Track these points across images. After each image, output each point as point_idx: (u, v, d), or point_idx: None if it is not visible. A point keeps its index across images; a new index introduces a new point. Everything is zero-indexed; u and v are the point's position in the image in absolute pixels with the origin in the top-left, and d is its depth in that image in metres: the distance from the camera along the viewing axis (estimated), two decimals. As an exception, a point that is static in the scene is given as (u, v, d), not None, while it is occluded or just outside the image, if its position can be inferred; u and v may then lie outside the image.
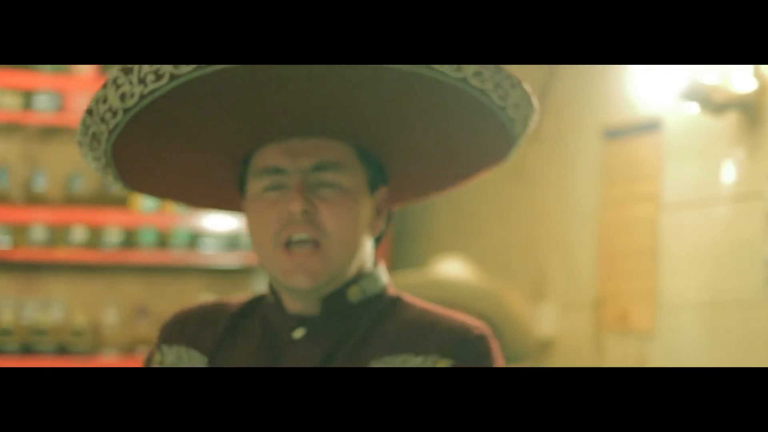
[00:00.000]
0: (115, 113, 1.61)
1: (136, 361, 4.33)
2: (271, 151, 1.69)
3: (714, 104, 3.03)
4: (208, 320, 1.79)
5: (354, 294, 1.71)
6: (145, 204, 4.43)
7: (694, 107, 3.07)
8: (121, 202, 4.44)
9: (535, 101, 1.68)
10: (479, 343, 1.65)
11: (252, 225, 1.70)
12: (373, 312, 1.71)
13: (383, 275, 1.75)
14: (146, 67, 1.55)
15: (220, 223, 4.52)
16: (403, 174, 1.80)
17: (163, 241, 4.49)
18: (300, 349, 1.69)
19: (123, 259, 4.41)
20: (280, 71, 1.55)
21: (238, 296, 1.83)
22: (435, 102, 1.62)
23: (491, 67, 1.58)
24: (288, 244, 1.65)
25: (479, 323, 1.68)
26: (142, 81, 1.56)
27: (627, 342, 3.50)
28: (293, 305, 1.71)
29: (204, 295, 4.62)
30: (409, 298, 1.74)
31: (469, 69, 1.56)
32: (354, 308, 1.71)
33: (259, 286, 4.75)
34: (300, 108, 1.62)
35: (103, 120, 1.63)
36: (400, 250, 4.82)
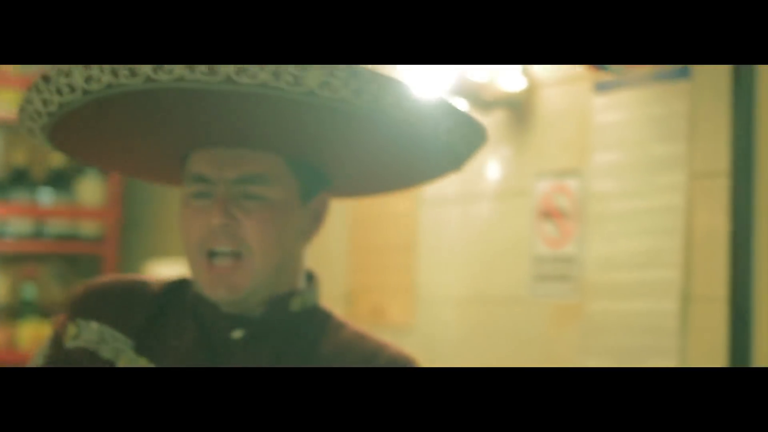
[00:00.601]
0: (39, 115, 1.61)
1: None
2: (200, 159, 1.67)
3: (482, 102, 3.06)
4: (128, 300, 1.74)
5: (295, 304, 1.72)
6: None
7: (463, 104, 3.08)
8: None
9: (477, 124, 1.67)
10: None
11: (181, 229, 1.69)
12: (311, 324, 1.72)
13: (318, 287, 1.77)
14: (62, 79, 1.55)
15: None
16: (345, 179, 1.78)
17: None
18: (240, 351, 1.68)
19: None
20: (193, 93, 1.51)
21: (155, 277, 1.80)
22: (357, 124, 1.59)
23: (410, 94, 1.57)
24: (210, 255, 1.64)
25: (411, 354, 1.74)
26: (58, 91, 1.57)
27: (382, 335, 3.50)
28: (229, 305, 1.69)
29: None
30: (337, 315, 1.77)
31: (386, 100, 1.54)
32: (293, 317, 1.71)
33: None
34: (223, 121, 1.58)
35: (32, 119, 1.64)
36: (130, 242, 4.67)
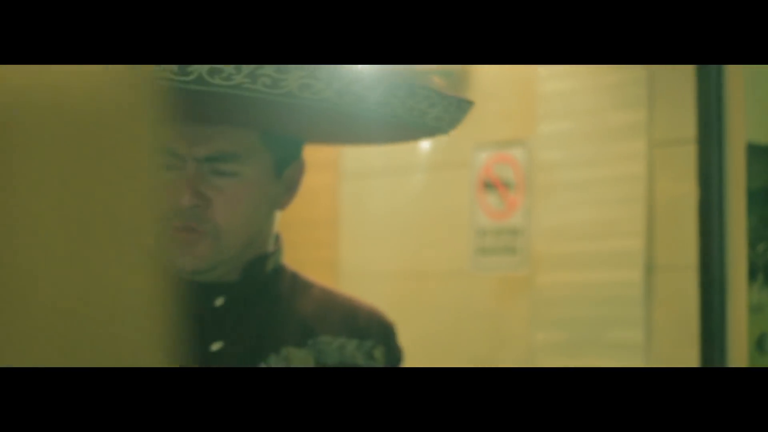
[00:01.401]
0: None
1: None
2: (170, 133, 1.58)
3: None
4: None
5: (269, 266, 1.69)
6: None
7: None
8: None
9: (464, 104, 1.61)
10: (394, 328, 1.76)
11: None
12: (281, 284, 1.71)
13: (282, 246, 1.74)
14: None
15: None
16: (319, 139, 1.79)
17: None
18: (224, 318, 1.65)
19: None
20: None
21: None
22: (340, 116, 1.54)
23: (396, 91, 1.50)
24: (177, 228, 1.59)
25: (375, 304, 1.77)
26: None
27: (304, 313, 3.42)
28: (196, 275, 1.65)
29: None
30: (301, 273, 1.76)
31: (371, 99, 1.49)
32: (267, 278, 1.69)
33: None
34: (196, 106, 1.49)
35: None
36: None
